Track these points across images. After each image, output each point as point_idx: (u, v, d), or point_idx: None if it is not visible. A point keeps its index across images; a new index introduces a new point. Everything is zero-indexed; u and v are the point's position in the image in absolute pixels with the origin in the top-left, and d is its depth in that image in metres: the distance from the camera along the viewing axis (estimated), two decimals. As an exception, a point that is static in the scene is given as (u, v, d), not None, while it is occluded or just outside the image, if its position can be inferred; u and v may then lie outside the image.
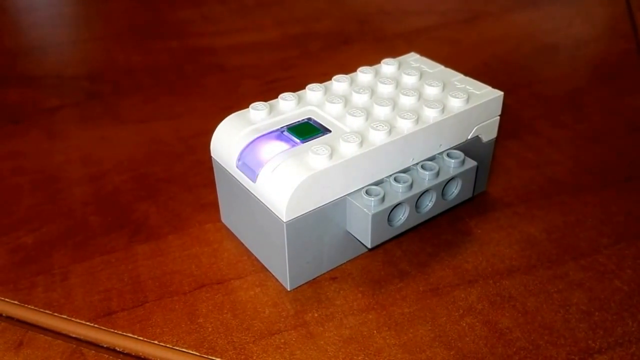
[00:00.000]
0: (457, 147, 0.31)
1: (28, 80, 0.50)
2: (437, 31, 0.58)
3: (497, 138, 0.34)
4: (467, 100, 0.31)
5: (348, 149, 0.27)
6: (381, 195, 0.27)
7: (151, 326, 0.27)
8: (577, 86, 0.47)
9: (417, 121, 0.29)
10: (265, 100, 0.31)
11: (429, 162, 0.30)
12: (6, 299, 0.29)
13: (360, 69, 0.33)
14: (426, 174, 0.29)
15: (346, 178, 0.27)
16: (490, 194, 0.35)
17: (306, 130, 0.29)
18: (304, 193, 0.26)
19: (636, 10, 0.60)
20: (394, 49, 0.53)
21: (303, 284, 0.29)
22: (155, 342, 0.27)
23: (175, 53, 0.54)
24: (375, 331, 0.27)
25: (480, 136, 0.33)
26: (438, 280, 0.29)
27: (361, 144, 0.27)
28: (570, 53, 0.53)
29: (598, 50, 0.54)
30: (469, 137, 0.32)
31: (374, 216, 0.27)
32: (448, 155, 0.30)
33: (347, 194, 0.28)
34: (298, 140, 0.28)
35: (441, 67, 0.34)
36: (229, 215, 0.32)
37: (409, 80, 0.33)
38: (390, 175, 0.29)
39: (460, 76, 0.33)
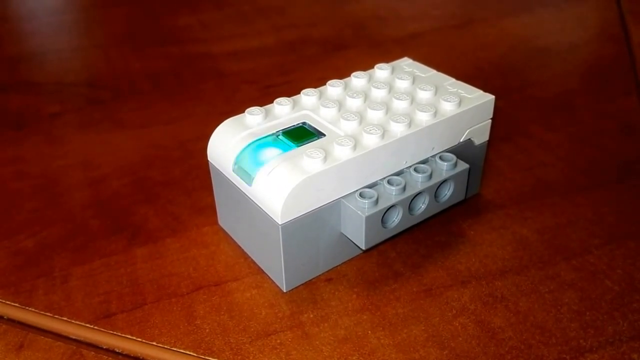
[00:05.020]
0: (449, 150, 0.32)
1: (29, 87, 0.50)
2: (431, 36, 0.58)
3: (489, 141, 0.34)
4: (459, 104, 0.31)
5: (342, 153, 0.28)
6: (375, 198, 0.28)
7: (150, 327, 0.28)
8: (569, 89, 0.48)
9: (409, 125, 0.29)
10: (263, 105, 0.32)
11: (422, 165, 0.30)
12: (7, 302, 0.29)
13: (354, 74, 0.34)
14: (419, 177, 0.29)
15: (340, 181, 0.28)
16: (483, 196, 0.36)
17: (301, 134, 0.29)
18: (298, 196, 0.27)
19: (627, 14, 0.61)
20: (389, 54, 0.53)
21: (299, 286, 0.30)
22: (154, 343, 0.27)
23: (173, 59, 0.55)
24: (369, 331, 0.27)
25: (472, 139, 0.33)
26: (431, 281, 0.30)
27: (355, 147, 0.28)
28: (563, 56, 0.53)
29: (590, 54, 0.54)
30: (461, 140, 0.32)
31: (368, 218, 0.27)
32: (440, 158, 0.31)
33: (342, 197, 0.28)
34: (293, 144, 0.29)
35: (434, 72, 0.35)
36: (225, 218, 0.33)
37: (402, 84, 0.33)
38: (384, 178, 0.29)
39: (453, 80, 0.34)
